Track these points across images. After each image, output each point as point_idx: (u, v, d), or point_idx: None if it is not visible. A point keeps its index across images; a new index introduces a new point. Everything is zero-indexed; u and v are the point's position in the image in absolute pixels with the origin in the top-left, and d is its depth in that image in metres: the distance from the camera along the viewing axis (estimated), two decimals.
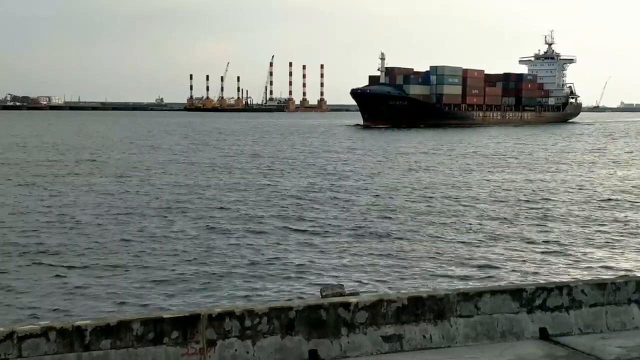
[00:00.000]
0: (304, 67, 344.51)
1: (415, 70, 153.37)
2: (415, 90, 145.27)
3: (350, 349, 9.48)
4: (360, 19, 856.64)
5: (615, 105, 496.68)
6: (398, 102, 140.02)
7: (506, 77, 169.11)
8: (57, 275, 20.73)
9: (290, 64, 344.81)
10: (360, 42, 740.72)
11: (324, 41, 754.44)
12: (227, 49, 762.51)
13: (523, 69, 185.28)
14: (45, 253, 23.60)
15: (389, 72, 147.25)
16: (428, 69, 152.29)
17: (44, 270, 21.40)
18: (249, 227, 28.49)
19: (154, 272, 21.25)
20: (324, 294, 11.01)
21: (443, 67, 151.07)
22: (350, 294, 11.10)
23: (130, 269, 21.62)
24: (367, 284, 19.79)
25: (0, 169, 52.69)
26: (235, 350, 9.05)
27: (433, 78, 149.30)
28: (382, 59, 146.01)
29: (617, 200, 37.39)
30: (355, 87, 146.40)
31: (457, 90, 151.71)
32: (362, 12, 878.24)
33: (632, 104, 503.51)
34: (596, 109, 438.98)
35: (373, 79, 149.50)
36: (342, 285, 11.77)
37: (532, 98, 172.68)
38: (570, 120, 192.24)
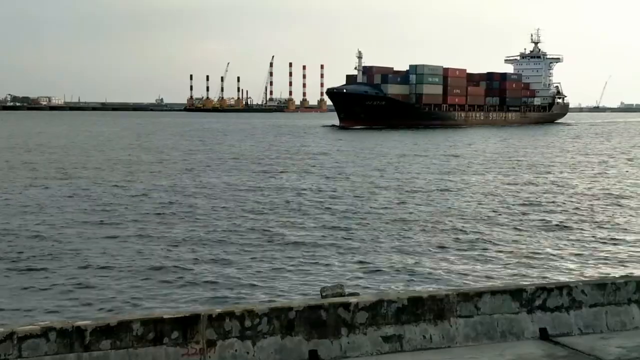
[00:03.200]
0: (304, 67, 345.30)
1: (395, 69, 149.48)
2: (393, 89, 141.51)
3: (350, 349, 9.48)
4: (360, 19, 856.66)
5: (615, 105, 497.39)
6: (375, 102, 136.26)
7: (490, 76, 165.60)
8: (57, 275, 20.73)
9: (290, 64, 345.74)
10: (360, 42, 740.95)
11: (324, 41, 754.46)
12: (227, 49, 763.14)
13: (509, 69, 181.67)
14: (43, 253, 23.61)
15: (367, 71, 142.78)
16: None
17: (43, 270, 21.39)
18: (248, 228, 28.48)
19: (154, 272, 21.25)
20: (324, 294, 11.01)
21: (423, 66, 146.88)
22: (350, 294, 11.10)
23: (130, 269, 21.60)
24: (367, 284, 19.79)
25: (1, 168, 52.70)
26: (235, 350, 9.05)
27: (412, 77, 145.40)
28: (359, 57, 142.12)
29: (616, 199, 37.39)
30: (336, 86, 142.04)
31: (438, 89, 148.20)
32: (361, 12, 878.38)
33: (632, 104, 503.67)
34: (596, 109, 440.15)
35: (350, 78, 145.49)
36: (342, 285, 11.75)
37: (516, 98, 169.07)
38: (557, 121, 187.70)
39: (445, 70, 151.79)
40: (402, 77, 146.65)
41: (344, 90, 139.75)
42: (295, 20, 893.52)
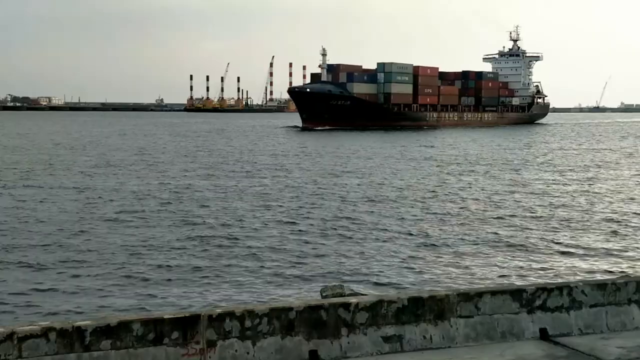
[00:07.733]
0: (304, 67, 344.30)
1: (364, 67, 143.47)
2: (360, 89, 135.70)
3: (350, 349, 9.47)
4: (360, 19, 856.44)
5: (615, 106, 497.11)
6: (340, 102, 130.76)
7: (465, 75, 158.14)
8: (57, 276, 20.73)
9: (291, 64, 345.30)
10: (360, 42, 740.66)
11: (325, 41, 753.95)
12: (227, 49, 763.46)
13: (487, 67, 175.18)
14: (43, 253, 23.61)
15: (333, 69, 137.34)
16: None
17: (43, 270, 21.39)
18: (248, 228, 28.49)
19: (154, 272, 21.25)
20: (324, 294, 11.04)
21: (391, 64, 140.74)
22: (351, 294, 11.11)
23: (130, 269, 21.61)
24: (367, 284, 19.78)
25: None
26: (236, 350, 9.04)
27: (380, 76, 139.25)
28: (324, 54, 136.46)
29: (616, 200, 37.38)
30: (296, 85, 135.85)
31: (408, 89, 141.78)
32: (361, 12, 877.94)
33: (632, 104, 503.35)
34: (596, 109, 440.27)
35: (315, 77, 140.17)
36: (342, 285, 11.77)
37: (493, 97, 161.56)
38: (537, 122, 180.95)
39: (416, 68, 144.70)
40: (370, 75, 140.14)
41: (307, 90, 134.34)
42: (295, 20, 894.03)
